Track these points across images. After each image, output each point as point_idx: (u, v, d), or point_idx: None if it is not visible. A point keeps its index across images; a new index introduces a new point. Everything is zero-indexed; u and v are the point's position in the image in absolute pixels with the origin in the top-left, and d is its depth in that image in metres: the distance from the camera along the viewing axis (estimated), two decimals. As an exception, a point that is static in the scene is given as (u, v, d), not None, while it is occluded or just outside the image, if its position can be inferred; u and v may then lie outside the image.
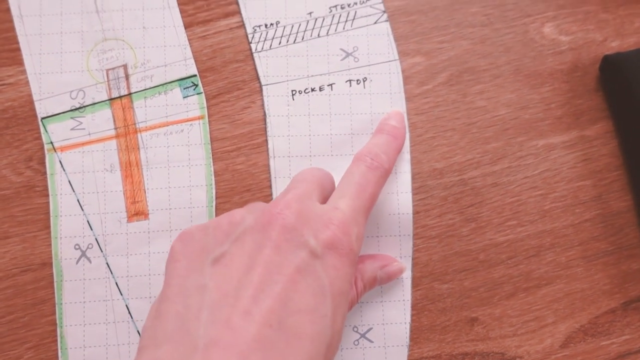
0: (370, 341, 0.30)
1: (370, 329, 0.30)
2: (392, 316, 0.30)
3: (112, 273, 0.31)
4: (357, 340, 0.30)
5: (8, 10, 0.34)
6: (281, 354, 0.21)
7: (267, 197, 0.32)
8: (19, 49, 0.33)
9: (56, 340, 0.31)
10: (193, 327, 0.21)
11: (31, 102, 0.33)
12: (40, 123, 0.33)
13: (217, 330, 0.20)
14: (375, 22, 0.34)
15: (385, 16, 0.34)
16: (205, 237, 0.24)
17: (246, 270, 0.22)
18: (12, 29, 0.34)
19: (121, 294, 0.31)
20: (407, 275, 0.31)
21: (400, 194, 0.32)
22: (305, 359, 0.21)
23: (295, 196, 0.24)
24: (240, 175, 0.32)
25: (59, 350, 0.30)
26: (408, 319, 0.30)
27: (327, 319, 0.22)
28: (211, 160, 0.33)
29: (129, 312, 0.31)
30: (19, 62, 0.33)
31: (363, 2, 0.34)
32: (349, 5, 0.34)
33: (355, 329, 0.30)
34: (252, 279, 0.22)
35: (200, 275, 0.22)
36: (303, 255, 0.23)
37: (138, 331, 0.31)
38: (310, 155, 0.32)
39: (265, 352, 0.20)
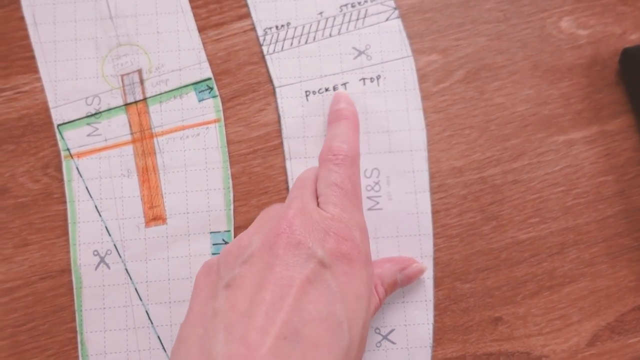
0: (393, 343, 0.30)
1: (393, 330, 0.30)
2: (415, 317, 0.30)
3: (131, 279, 0.31)
4: (380, 342, 0.30)
5: (22, 18, 0.34)
6: None
7: (284, 200, 0.32)
8: (33, 57, 0.34)
9: (77, 347, 0.30)
10: (212, 348, 0.21)
11: (47, 110, 0.33)
12: (56, 130, 0.33)
13: (234, 348, 0.21)
14: (386, 20, 0.34)
15: (396, 13, 0.34)
16: (219, 265, 0.25)
17: (258, 289, 0.22)
18: (27, 37, 0.34)
19: (141, 300, 0.31)
20: (428, 276, 0.30)
21: (418, 193, 0.31)
22: None
23: (297, 211, 0.25)
24: (257, 178, 0.32)
25: (80, 357, 0.30)
26: (431, 319, 0.30)
27: (343, 325, 0.22)
28: (228, 163, 0.32)
29: (149, 318, 0.31)
30: (34, 69, 0.33)
31: None
32: (359, 4, 0.34)
33: (377, 331, 0.30)
34: (265, 296, 0.22)
35: (215, 300, 0.23)
36: (312, 266, 0.23)
37: (158, 337, 0.31)
38: (328, 156, 0.32)
39: None
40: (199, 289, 0.25)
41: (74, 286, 0.31)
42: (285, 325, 0.21)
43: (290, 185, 0.32)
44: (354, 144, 0.29)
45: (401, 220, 0.31)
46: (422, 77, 0.33)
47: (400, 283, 0.29)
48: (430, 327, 0.30)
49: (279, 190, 0.32)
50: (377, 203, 0.31)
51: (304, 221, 0.24)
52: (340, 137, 0.29)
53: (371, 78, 0.33)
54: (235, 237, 0.32)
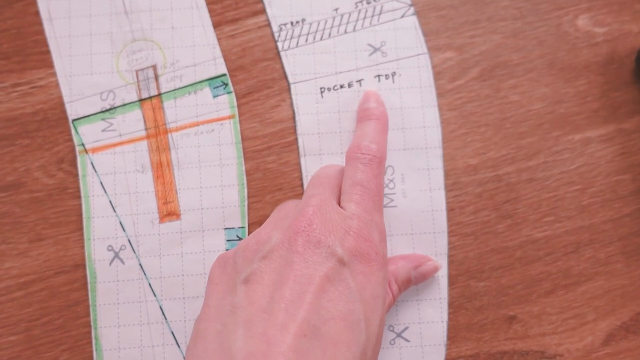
0: (407, 340, 0.30)
1: (407, 328, 0.30)
2: (429, 315, 0.30)
3: (145, 274, 0.31)
4: (393, 339, 0.30)
5: (37, 13, 0.34)
6: None
7: (299, 196, 0.32)
8: (48, 52, 0.34)
9: (91, 342, 0.31)
10: (231, 344, 0.21)
11: (62, 104, 0.33)
12: (71, 125, 0.33)
13: (254, 344, 0.21)
14: (402, 16, 0.34)
15: (412, 10, 0.34)
16: (236, 258, 0.25)
17: (277, 285, 0.22)
18: (42, 31, 0.34)
19: (155, 295, 0.31)
20: (443, 274, 0.30)
21: (433, 191, 0.31)
22: None
23: (316, 209, 0.25)
24: (272, 174, 0.32)
25: (94, 352, 0.30)
26: (445, 317, 0.30)
27: (361, 324, 0.22)
28: (242, 159, 0.32)
29: (163, 314, 0.31)
30: (49, 64, 0.33)
31: (391, -3, 0.34)
32: (374, 0, 0.34)
33: (391, 328, 0.30)
34: (284, 293, 0.22)
35: (234, 295, 0.23)
36: (331, 264, 0.23)
37: (172, 332, 0.31)
38: (342, 153, 0.32)
39: None
40: (214, 282, 0.25)
41: (89, 281, 0.31)
42: (305, 322, 0.21)
43: (305, 182, 0.32)
44: (382, 145, 0.28)
45: (416, 218, 0.31)
46: (437, 75, 0.33)
47: (414, 280, 0.29)
48: (445, 325, 0.30)
49: (293, 187, 0.32)
50: (392, 200, 0.31)
51: (324, 219, 0.24)
52: (369, 137, 0.29)
53: (386, 75, 0.33)
54: (249, 233, 0.32)
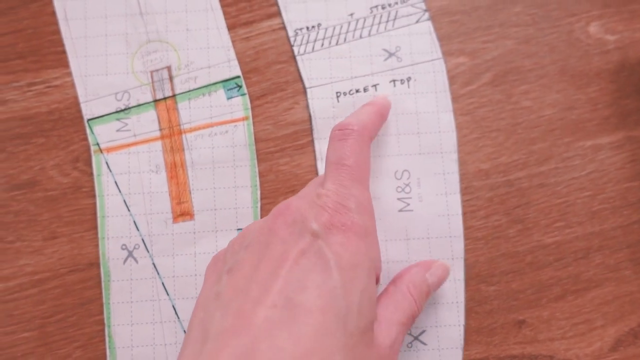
0: (424, 344, 0.30)
1: (424, 331, 0.30)
2: (446, 318, 0.30)
3: (158, 273, 0.31)
4: (411, 342, 0.30)
5: (53, 13, 0.34)
6: (290, 328, 0.21)
7: (312, 198, 0.32)
8: (64, 52, 0.34)
9: (104, 340, 0.31)
10: (209, 326, 0.22)
11: (77, 104, 0.33)
12: (86, 124, 0.33)
13: (228, 321, 0.22)
14: (416, 22, 0.34)
15: (426, 15, 0.34)
16: (226, 254, 0.26)
17: (255, 267, 0.23)
18: (58, 31, 0.34)
19: (168, 294, 0.31)
20: (459, 277, 0.31)
21: (449, 195, 0.31)
22: (317, 330, 0.21)
23: (297, 196, 0.26)
24: (285, 176, 0.32)
25: (107, 350, 0.31)
26: (462, 321, 0.30)
27: (337, 291, 0.22)
28: (256, 161, 0.33)
29: (176, 313, 0.31)
30: (65, 64, 0.34)
31: (404, 1, 0.34)
32: (389, 5, 0.34)
33: (408, 332, 0.30)
34: (260, 272, 0.23)
35: (219, 284, 0.24)
36: (306, 239, 0.23)
37: (185, 331, 0.31)
38: (356, 156, 0.32)
39: (273, 329, 0.21)
40: (205, 279, 0.26)
41: (102, 279, 0.31)
42: (278, 294, 0.22)
43: (319, 184, 0.32)
44: (364, 119, 0.28)
45: (432, 222, 0.31)
46: (449, 79, 0.33)
47: (431, 285, 0.29)
48: (462, 328, 0.30)
49: (306, 189, 0.32)
50: (408, 205, 0.31)
51: (301, 202, 0.25)
52: (352, 116, 0.28)
53: (401, 80, 0.33)
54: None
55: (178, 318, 0.31)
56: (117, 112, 0.33)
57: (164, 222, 0.32)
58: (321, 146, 0.32)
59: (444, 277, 0.29)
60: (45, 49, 0.34)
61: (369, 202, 0.26)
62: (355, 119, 0.27)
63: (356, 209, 0.25)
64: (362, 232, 0.24)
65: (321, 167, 0.32)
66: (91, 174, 0.33)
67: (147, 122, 0.33)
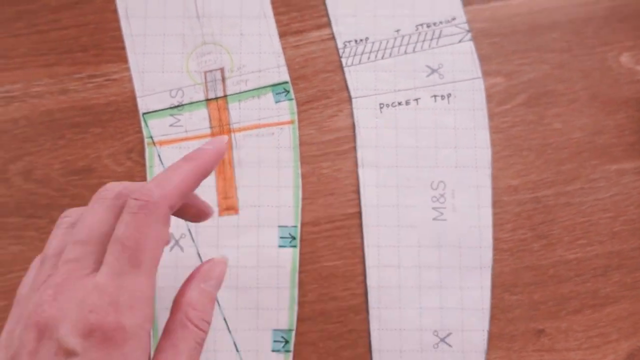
0: (449, 345, 0.32)
1: (450, 334, 0.32)
2: (471, 323, 0.32)
3: (202, 262, 0.33)
4: (437, 344, 0.32)
5: (115, 11, 0.36)
6: None
7: (350, 202, 0.34)
8: (124, 48, 0.36)
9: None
10: None
11: (133, 98, 0.35)
12: (141, 118, 0.35)
13: None
14: (459, 41, 0.36)
15: (469, 35, 0.36)
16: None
17: None
18: (119, 28, 0.36)
19: (210, 283, 0.33)
20: (486, 285, 0.33)
21: (481, 208, 0.33)
22: None
23: (59, 279, 0.21)
24: (326, 179, 0.34)
25: (151, 331, 0.33)
26: (486, 326, 0.32)
27: None
28: (299, 162, 0.35)
29: (217, 301, 0.33)
30: (124, 59, 0.36)
31: (448, 21, 0.36)
32: (434, 24, 0.36)
33: (436, 333, 0.32)
34: None
35: None
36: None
37: (224, 318, 0.33)
38: (397, 166, 0.34)
39: None
40: None
41: (150, 265, 0.33)
42: None
43: (363, 191, 0.34)
44: (169, 186, 0.23)
45: (464, 232, 0.33)
46: (486, 98, 0.35)
47: (213, 289, 0.25)
48: (485, 333, 0.32)
49: (345, 193, 0.34)
50: (442, 214, 0.33)
51: (60, 301, 0.21)
52: (158, 178, 0.23)
53: (442, 96, 0.35)
54: (301, 232, 0.34)
55: (219, 306, 0.33)
56: (170, 108, 0.35)
57: (210, 214, 0.34)
58: (363, 154, 0.34)
59: (223, 271, 0.26)
60: (106, 44, 0.36)
61: (144, 294, 0.22)
62: (158, 186, 0.23)
63: (127, 310, 0.21)
64: (131, 337, 0.21)
65: (363, 173, 0.34)
66: (144, 164, 0.35)
67: (199, 119, 0.35)
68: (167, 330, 0.23)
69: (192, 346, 0.23)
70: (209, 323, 0.24)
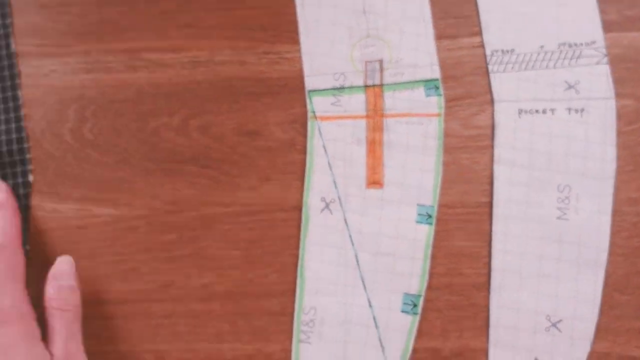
0: (560, 331, 0.36)
1: (561, 320, 0.36)
2: (582, 313, 0.36)
3: (347, 226, 0.38)
4: (548, 327, 0.36)
5: (293, -2, 0.42)
6: None
7: (484, 192, 0.38)
8: (297, 32, 0.41)
9: (296, 270, 0.38)
10: None
11: (301, 77, 0.40)
12: (307, 94, 0.40)
13: None
14: (596, 63, 0.40)
15: (606, 59, 0.40)
16: None
17: None
18: (294, 14, 0.41)
19: (352, 245, 0.38)
20: (599, 282, 0.36)
21: (602, 215, 0.37)
22: None
23: None
24: (464, 169, 0.39)
25: (298, 278, 0.38)
26: (595, 318, 0.36)
27: None
28: (442, 151, 0.39)
29: (357, 261, 0.38)
30: (296, 42, 0.41)
31: (589, 43, 0.40)
32: (576, 45, 0.40)
33: (548, 318, 0.36)
34: None
35: None
36: None
37: (362, 277, 0.38)
38: (529, 167, 0.38)
39: None
40: None
41: (302, 222, 0.38)
42: None
43: (495, 183, 0.38)
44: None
45: (583, 233, 0.37)
46: (616, 116, 0.39)
47: (67, 282, 0.32)
48: (594, 325, 0.36)
49: (480, 183, 0.38)
50: (565, 214, 0.37)
51: None
52: None
53: (576, 110, 0.39)
54: (437, 212, 0.38)
55: (358, 265, 0.38)
56: (333, 89, 0.40)
57: (358, 185, 0.39)
58: (500, 152, 0.38)
59: (70, 265, 0.32)
60: (282, 27, 0.41)
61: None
62: None
63: None
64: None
65: (497, 169, 0.38)
66: (305, 135, 0.40)
67: (357, 102, 0.40)
68: (45, 325, 0.30)
69: (65, 324, 0.30)
70: (74, 305, 0.31)
